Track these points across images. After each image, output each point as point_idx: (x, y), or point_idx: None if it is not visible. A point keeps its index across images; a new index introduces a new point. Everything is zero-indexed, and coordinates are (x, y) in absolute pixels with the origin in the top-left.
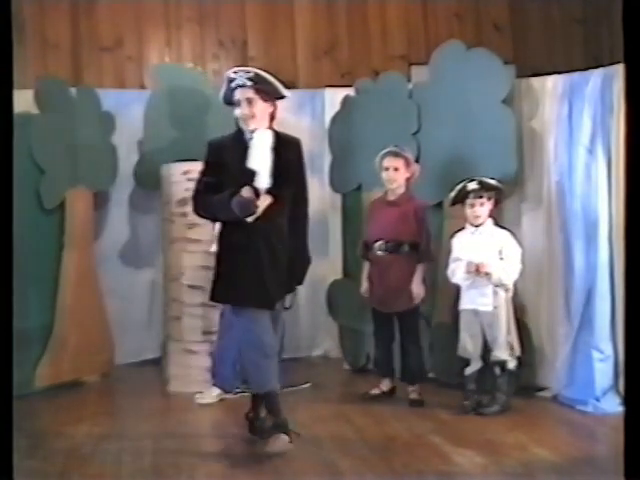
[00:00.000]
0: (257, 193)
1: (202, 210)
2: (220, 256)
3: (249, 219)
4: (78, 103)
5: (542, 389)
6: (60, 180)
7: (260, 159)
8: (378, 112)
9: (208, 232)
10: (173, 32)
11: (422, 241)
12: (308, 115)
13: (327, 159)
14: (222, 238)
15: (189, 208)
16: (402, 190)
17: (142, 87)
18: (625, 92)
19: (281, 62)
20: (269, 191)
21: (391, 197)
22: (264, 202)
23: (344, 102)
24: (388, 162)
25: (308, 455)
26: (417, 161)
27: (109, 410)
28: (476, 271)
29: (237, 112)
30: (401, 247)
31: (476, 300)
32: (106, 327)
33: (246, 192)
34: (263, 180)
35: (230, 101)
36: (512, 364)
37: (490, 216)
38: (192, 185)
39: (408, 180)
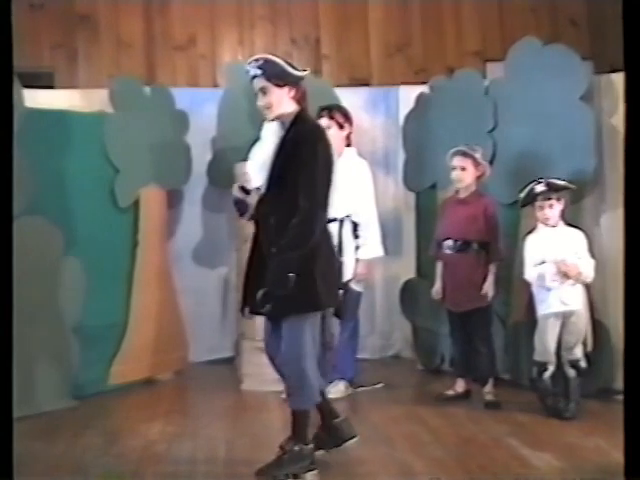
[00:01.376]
0: (247, 191)
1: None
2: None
3: (245, 218)
4: (152, 102)
5: (621, 392)
6: (134, 179)
7: (257, 155)
8: (453, 109)
9: None
10: (246, 30)
11: (491, 240)
12: (382, 113)
13: (401, 157)
14: None
15: None
16: (472, 189)
17: (215, 86)
18: (625, 92)
19: (354, 60)
20: (269, 188)
21: (461, 195)
22: (253, 200)
23: (418, 99)
24: (456, 161)
25: (381, 456)
26: (493, 159)
27: (183, 408)
28: (565, 274)
29: (258, 105)
30: (469, 246)
31: (561, 301)
32: (180, 325)
33: (235, 191)
34: (252, 178)
35: None
36: (584, 363)
37: (562, 216)
38: None
39: (478, 179)
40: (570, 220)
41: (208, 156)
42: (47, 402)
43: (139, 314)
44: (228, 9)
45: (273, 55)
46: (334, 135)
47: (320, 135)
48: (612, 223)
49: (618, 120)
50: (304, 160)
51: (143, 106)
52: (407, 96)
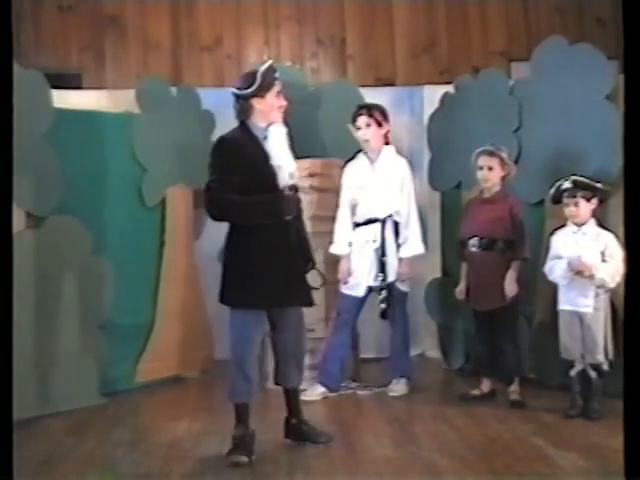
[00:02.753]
0: (296, 189)
1: (227, 211)
2: (249, 260)
3: (286, 217)
4: (179, 102)
5: None
6: (161, 178)
7: (283, 155)
8: (478, 109)
9: (307, 230)
10: (272, 31)
11: (517, 239)
12: (407, 113)
13: (426, 157)
14: (244, 241)
15: None
16: (497, 188)
17: None
18: (625, 92)
19: (380, 60)
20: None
21: (486, 195)
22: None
23: (443, 99)
24: (483, 161)
25: (407, 455)
26: (518, 159)
27: (209, 406)
28: (579, 272)
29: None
30: (495, 244)
31: (577, 301)
32: (206, 323)
33: (288, 190)
34: (293, 175)
35: None
36: (606, 366)
37: (593, 216)
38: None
39: (504, 179)
40: (599, 219)
41: None
42: (77, 399)
43: (166, 313)
44: (254, 9)
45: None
46: (374, 133)
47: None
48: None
49: None
50: None
51: (170, 106)
52: (432, 96)
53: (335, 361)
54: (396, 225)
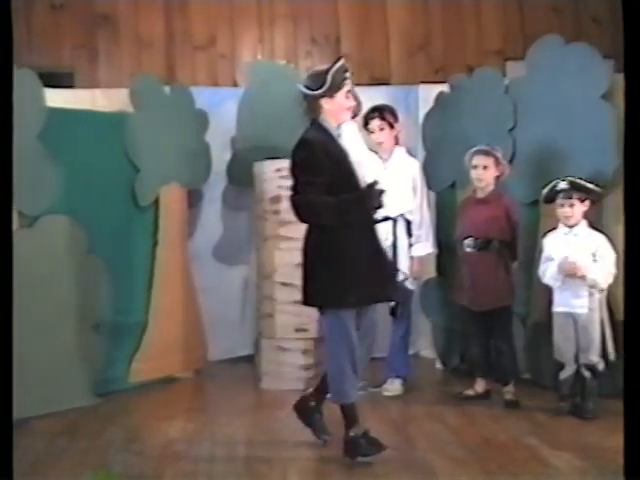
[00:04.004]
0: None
1: (322, 213)
2: (341, 259)
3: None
4: (172, 101)
5: None
6: (154, 177)
7: (361, 151)
8: (473, 108)
9: (301, 229)
10: (266, 29)
11: (512, 239)
12: (402, 111)
13: (421, 156)
14: (337, 241)
15: (282, 205)
16: (491, 188)
17: (235, 85)
18: (625, 92)
19: (374, 58)
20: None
21: (480, 195)
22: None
23: (438, 98)
24: (477, 160)
25: (402, 455)
26: (513, 158)
27: (202, 406)
28: (569, 274)
29: None
30: (490, 244)
31: (571, 302)
32: (199, 324)
33: (376, 185)
34: (374, 170)
35: None
36: (601, 366)
37: (585, 217)
38: (285, 182)
39: (497, 178)
40: (591, 220)
41: (227, 155)
42: (71, 399)
43: (159, 313)
44: (248, 8)
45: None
46: (387, 135)
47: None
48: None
49: None
50: None
51: (163, 105)
52: (427, 95)
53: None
54: (408, 224)
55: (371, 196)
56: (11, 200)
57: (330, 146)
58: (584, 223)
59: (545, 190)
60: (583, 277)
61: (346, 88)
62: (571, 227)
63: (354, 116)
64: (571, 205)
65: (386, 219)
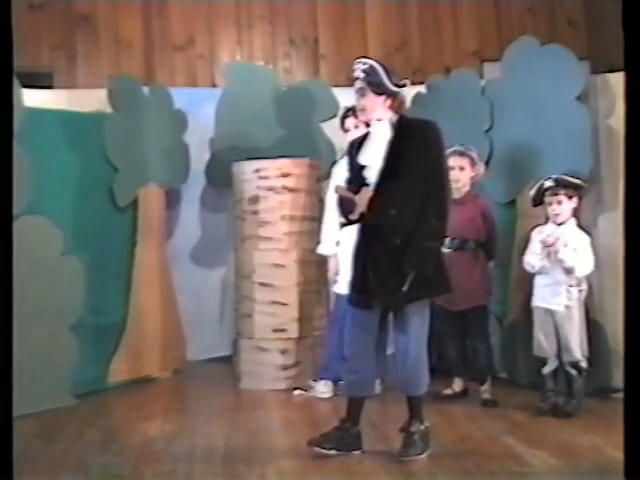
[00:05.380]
0: (357, 190)
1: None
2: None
3: (351, 217)
4: (150, 102)
5: (618, 390)
6: (133, 178)
7: (370, 153)
8: (450, 109)
9: (279, 230)
10: (244, 30)
11: (489, 239)
12: None
13: None
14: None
15: (261, 206)
16: (467, 188)
17: (214, 85)
18: (625, 92)
19: (352, 60)
20: (379, 185)
21: (456, 196)
22: (363, 198)
23: (415, 99)
24: (453, 161)
25: (379, 455)
26: (489, 159)
27: (181, 407)
28: (548, 245)
29: (355, 103)
30: (466, 245)
31: (549, 299)
32: (178, 324)
33: (341, 190)
34: (367, 175)
35: None
36: (584, 364)
37: (574, 215)
38: (263, 183)
39: (473, 179)
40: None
41: (206, 156)
42: (47, 400)
43: (138, 313)
44: (226, 9)
45: (374, 62)
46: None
47: (436, 126)
48: (609, 223)
49: (615, 120)
50: (430, 152)
51: (141, 106)
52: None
53: (336, 359)
54: None
55: (340, 199)
56: (11, 200)
57: (357, 144)
58: (572, 221)
59: (532, 191)
60: (560, 261)
61: None
62: (559, 225)
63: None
64: (559, 202)
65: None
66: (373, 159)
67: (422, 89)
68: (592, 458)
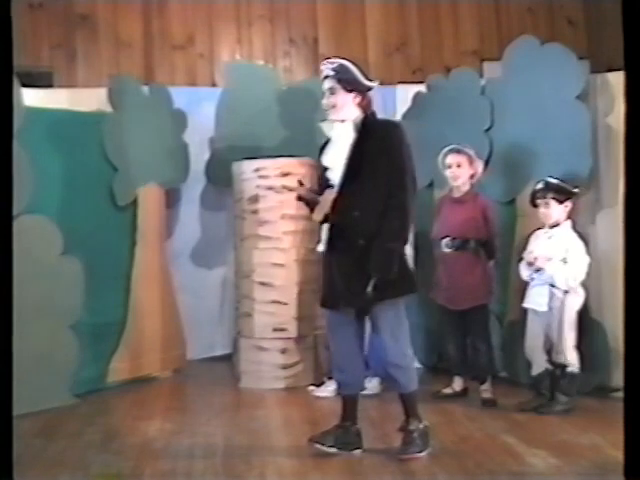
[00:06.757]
0: (320, 191)
1: None
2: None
3: (315, 218)
4: (150, 101)
5: (617, 390)
6: (132, 178)
7: (333, 155)
8: (450, 109)
9: (279, 229)
10: (244, 30)
11: (489, 238)
12: (379, 112)
13: None
14: None
15: (260, 205)
16: (467, 187)
17: (213, 85)
18: (625, 92)
19: (352, 59)
20: (342, 187)
21: (456, 194)
22: (327, 200)
23: (415, 99)
24: (451, 159)
25: (378, 454)
26: (489, 158)
27: (181, 406)
28: (529, 263)
29: (323, 103)
30: (467, 244)
31: (534, 300)
32: (178, 323)
33: (300, 191)
34: (331, 177)
35: None
36: (572, 368)
37: (569, 218)
38: (263, 182)
39: (472, 177)
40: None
41: (206, 155)
42: (47, 400)
43: (138, 312)
44: (226, 8)
45: (344, 60)
46: None
47: (397, 127)
48: (608, 223)
49: (614, 119)
50: (392, 152)
51: (141, 105)
52: (404, 95)
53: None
54: None
55: (303, 200)
56: (11, 201)
57: (326, 145)
58: (567, 224)
59: (530, 193)
60: (540, 271)
61: None
62: (551, 227)
63: None
64: (546, 204)
65: None
66: (336, 161)
67: (422, 88)
68: (592, 457)
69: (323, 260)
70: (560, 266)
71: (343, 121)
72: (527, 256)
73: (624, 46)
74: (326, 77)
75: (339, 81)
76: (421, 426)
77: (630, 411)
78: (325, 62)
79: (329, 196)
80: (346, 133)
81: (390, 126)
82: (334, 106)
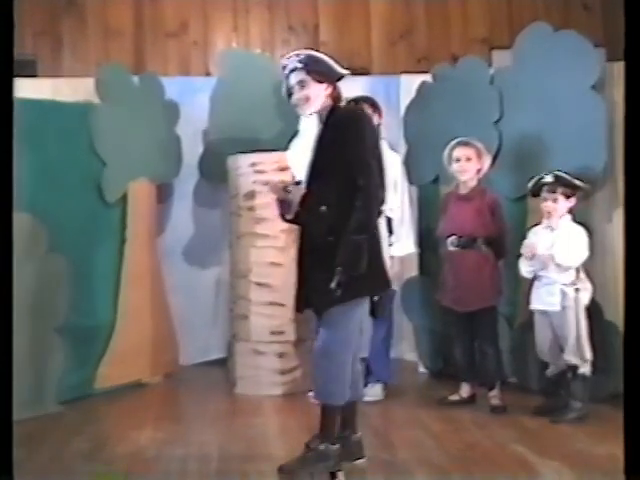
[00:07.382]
0: (288, 190)
1: None
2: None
3: (288, 217)
4: (141, 92)
5: None
6: (122, 172)
7: (297, 150)
8: (457, 99)
9: (276, 227)
10: (241, 16)
11: (498, 236)
12: (382, 103)
13: (402, 149)
14: None
15: (257, 201)
16: (474, 183)
17: (208, 74)
18: (625, 91)
19: (354, 47)
20: (309, 182)
21: (463, 191)
22: (295, 196)
23: (420, 89)
24: (459, 152)
25: (382, 463)
26: (498, 151)
27: (173, 413)
28: (527, 255)
29: (292, 99)
30: (475, 242)
31: (544, 300)
32: (170, 326)
33: (275, 190)
34: (296, 173)
35: (290, 91)
36: (585, 369)
37: (570, 212)
38: (260, 177)
39: (478, 172)
40: (580, 217)
41: (199, 148)
42: (30, 407)
43: (127, 314)
44: None
45: (311, 51)
46: None
47: (360, 115)
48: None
49: None
50: (351, 142)
51: (131, 96)
52: (408, 85)
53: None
54: (388, 221)
55: (277, 200)
56: (11, 200)
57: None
58: (567, 217)
59: (531, 183)
60: (533, 256)
61: None
62: (554, 223)
63: None
64: (554, 200)
65: None
66: (302, 156)
67: (428, 78)
68: (609, 469)
69: (296, 259)
70: (564, 244)
71: (315, 113)
72: (524, 250)
73: (624, 44)
74: (292, 71)
75: (309, 72)
76: (322, 447)
77: (630, 413)
78: (288, 56)
79: (298, 192)
80: (311, 126)
81: (349, 114)
82: (307, 99)
